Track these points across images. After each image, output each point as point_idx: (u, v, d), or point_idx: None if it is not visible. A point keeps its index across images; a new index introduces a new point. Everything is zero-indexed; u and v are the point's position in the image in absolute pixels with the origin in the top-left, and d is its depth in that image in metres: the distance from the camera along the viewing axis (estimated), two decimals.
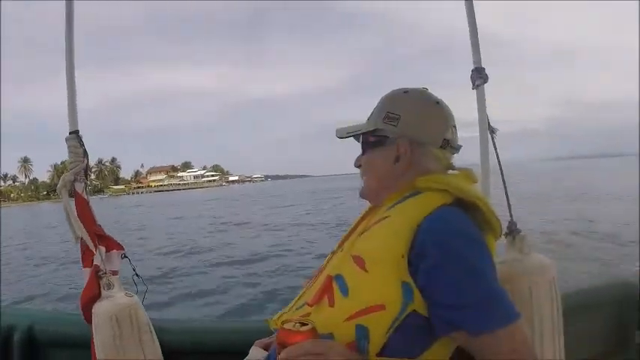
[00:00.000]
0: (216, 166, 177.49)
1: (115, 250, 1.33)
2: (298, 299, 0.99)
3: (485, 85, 1.48)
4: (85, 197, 1.32)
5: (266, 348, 1.12)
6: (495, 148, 1.46)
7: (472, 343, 0.78)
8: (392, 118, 0.97)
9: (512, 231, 1.33)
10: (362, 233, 0.93)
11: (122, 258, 1.35)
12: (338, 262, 0.93)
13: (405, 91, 1.01)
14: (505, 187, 1.43)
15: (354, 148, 1.08)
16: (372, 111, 1.03)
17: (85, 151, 1.33)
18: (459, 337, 0.79)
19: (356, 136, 1.07)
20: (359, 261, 0.85)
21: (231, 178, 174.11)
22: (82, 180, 1.33)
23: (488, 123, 1.47)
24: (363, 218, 1.04)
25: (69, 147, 1.32)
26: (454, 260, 0.78)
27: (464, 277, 0.78)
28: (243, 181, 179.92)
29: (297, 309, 0.94)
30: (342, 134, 1.06)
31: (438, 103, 1.00)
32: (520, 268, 1.23)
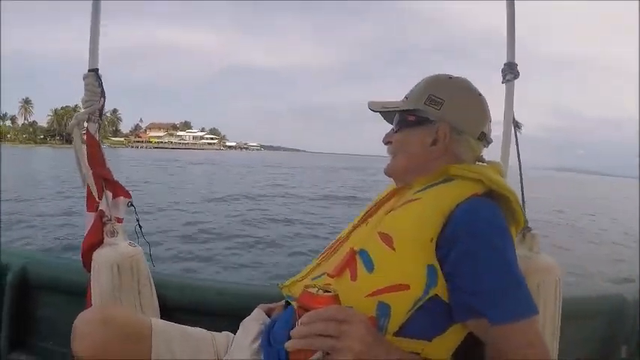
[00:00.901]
0: (214, 129, 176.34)
1: (121, 197, 1.30)
2: (315, 268, 0.98)
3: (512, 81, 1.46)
4: (98, 139, 1.27)
5: (268, 313, 1.11)
6: (517, 145, 1.45)
7: (490, 331, 0.77)
8: (435, 101, 0.97)
9: (524, 229, 1.32)
10: (389, 212, 0.93)
11: (128, 206, 1.32)
12: (362, 237, 0.92)
13: (450, 77, 1.01)
14: (522, 184, 1.41)
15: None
16: (411, 90, 1.02)
17: (102, 91, 1.27)
18: (476, 325, 0.80)
19: (386, 113, 1.07)
20: (386, 239, 0.84)
21: (228, 144, 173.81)
22: (97, 120, 1.28)
23: (514, 118, 1.46)
24: (389, 197, 1.03)
25: (86, 85, 1.26)
26: (485, 248, 0.79)
27: (493, 265, 0.78)
28: (241, 148, 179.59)
29: (314, 278, 0.93)
30: (377, 107, 1.05)
31: (480, 95, 1.00)
32: (530, 266, 1.22)
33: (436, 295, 0.79)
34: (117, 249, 1.23)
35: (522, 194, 1.39)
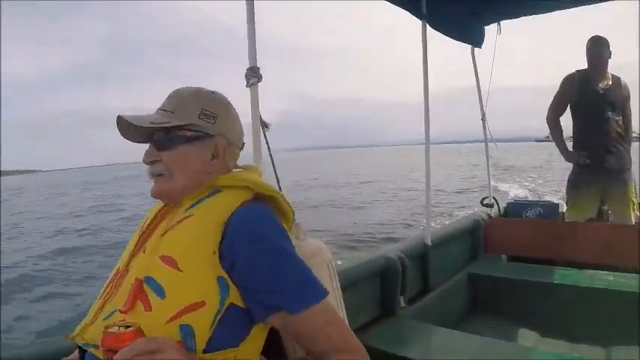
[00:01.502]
0: None
1: None
2: (102, 308, 0.88)
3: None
4: None
5: None
6: (267, 142, 1.50)
7: (290, 322, 0.84)
8: (209, 115, 0.98)
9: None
10: (164, 233, 0.89)
11: None
12: (144, 264, 0.87)
13: (213, 92, 1.02)
14: (277, 179, 1.48)
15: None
16: (174, 104, 0.97)
17: None
18: (277, 319, 0.85)
19: (126, 126, 0.96)
20: (170, 261, 0.83)
21: None
22: None
23: (261, 119, 1.50)
24: (160, 218, 0.96)
25: None
26: (267, 249, 0.84)
27: (279, 262, 0.84)
28: None
29: (105, 318, 0.84)
30: (145, 124, 0.92)
31: (234, 108, 1.05)
32: (300, 253, 1.27)
33: (232, 303, 0.82)
34: None
35: (279, 189, 1.46)
